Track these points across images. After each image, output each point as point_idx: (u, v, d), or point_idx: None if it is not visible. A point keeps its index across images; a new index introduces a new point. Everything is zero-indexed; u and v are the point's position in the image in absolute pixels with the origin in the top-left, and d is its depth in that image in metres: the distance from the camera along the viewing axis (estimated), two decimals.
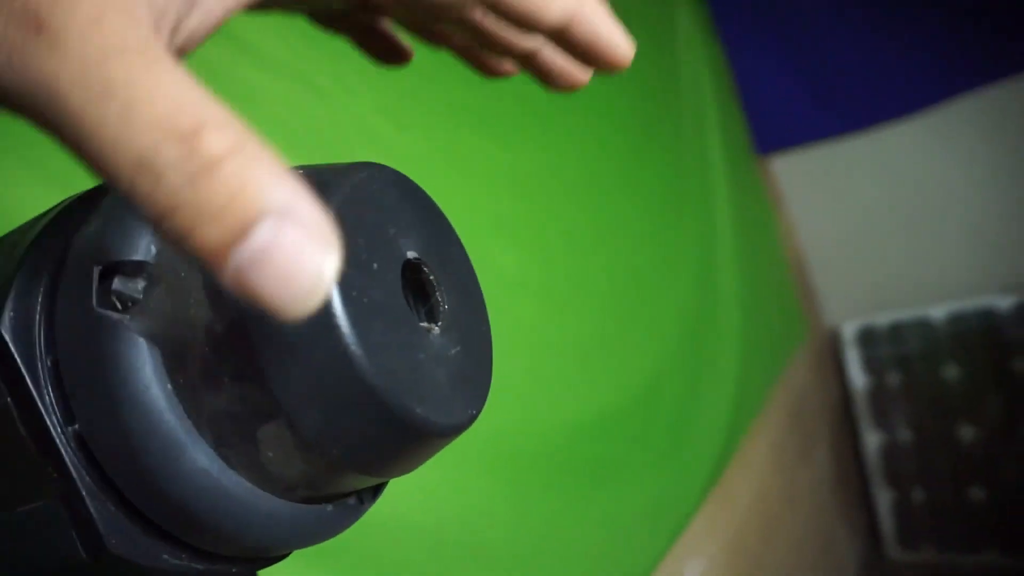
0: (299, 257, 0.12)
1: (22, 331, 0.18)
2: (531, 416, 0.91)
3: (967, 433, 1.80)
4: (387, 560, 0.69)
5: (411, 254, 0.21)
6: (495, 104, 1.04)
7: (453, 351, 0.22)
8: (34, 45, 0.11)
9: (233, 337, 0.17)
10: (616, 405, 1.09)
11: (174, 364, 0.18)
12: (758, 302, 1.69)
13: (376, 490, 0.25)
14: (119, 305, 0.18)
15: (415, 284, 0.21)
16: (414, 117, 0.90)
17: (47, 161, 0.48)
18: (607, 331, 1.13)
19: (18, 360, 0.18)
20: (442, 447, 0.21)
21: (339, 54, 0.79)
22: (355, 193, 0.19)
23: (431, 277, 0.22)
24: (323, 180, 0.19)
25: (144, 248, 0.19)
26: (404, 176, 0.22)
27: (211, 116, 0.12)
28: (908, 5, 1.66)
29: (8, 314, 0.18)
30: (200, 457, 0.18)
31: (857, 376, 1.96)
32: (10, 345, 0.18)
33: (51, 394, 0.18)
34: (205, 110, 0.12)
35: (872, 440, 1.94)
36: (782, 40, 1.85)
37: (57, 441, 0.18)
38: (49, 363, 0.18)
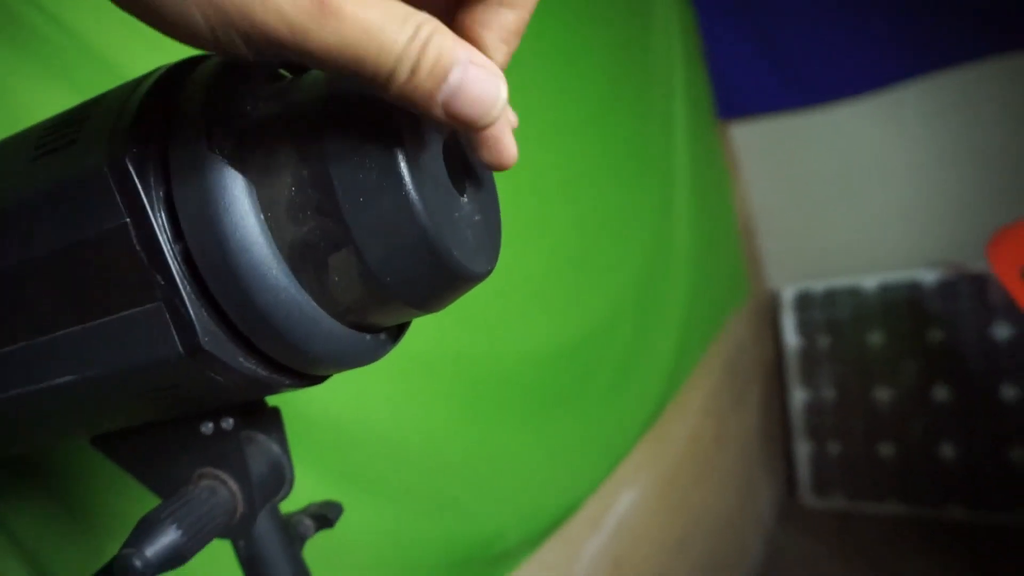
0: (483, 84, 0.20)
1: (140, 164, 0.22)
2: (493, 346, 0.97)
3: (883, 394, 1.96)
4: (352, 463, 0.74)
5: (445, 133, 0.26)
6: None
7: (476, 218, 0.27)
8: (324, 16, 0.18)
9: (317, 178, 0.22)
10: (570, 342, 1.16)
11: (265, 201, 0.23)
12: (707, 259, 1.78)
13: (398, 334, 0.30)
14: (216, 149, 0.23)
15: (450, 160, 0.26)
16: None
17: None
18: (567, 273, 1.19)
19: (138, 185, 0.22)
20: (464, 292, 0.26)
21: None
22: None
23: (461, 158, 0.27)
24: None
25: (243, 109, 0.23)
26: None
27: (420, 17, 0.19)
28: None
29: (131, 150, 0.22)
30: (282, 276, 0.23)
31: (791, 337, 2.09)
32: (133, 173, 0.22)
33: (163, 216, 0.22)
34: (416, 16, 0.19)
35: (798, 396, 2.08)
36: (751, 13, 1.90)
37: (166, 253, 0.22)
38: (161, 193, 0.23)
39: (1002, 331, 1.77)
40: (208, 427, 0.30)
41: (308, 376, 0.27)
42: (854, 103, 1.93)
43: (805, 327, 2.08)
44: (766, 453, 2.05)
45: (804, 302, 2.08)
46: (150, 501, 0.49)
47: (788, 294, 2.11)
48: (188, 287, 0.23)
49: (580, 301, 1.22)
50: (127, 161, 0.22)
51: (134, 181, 0.22)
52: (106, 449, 0.32)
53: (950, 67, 1.76)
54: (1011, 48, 1.67)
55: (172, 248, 0.22)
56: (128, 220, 0.22)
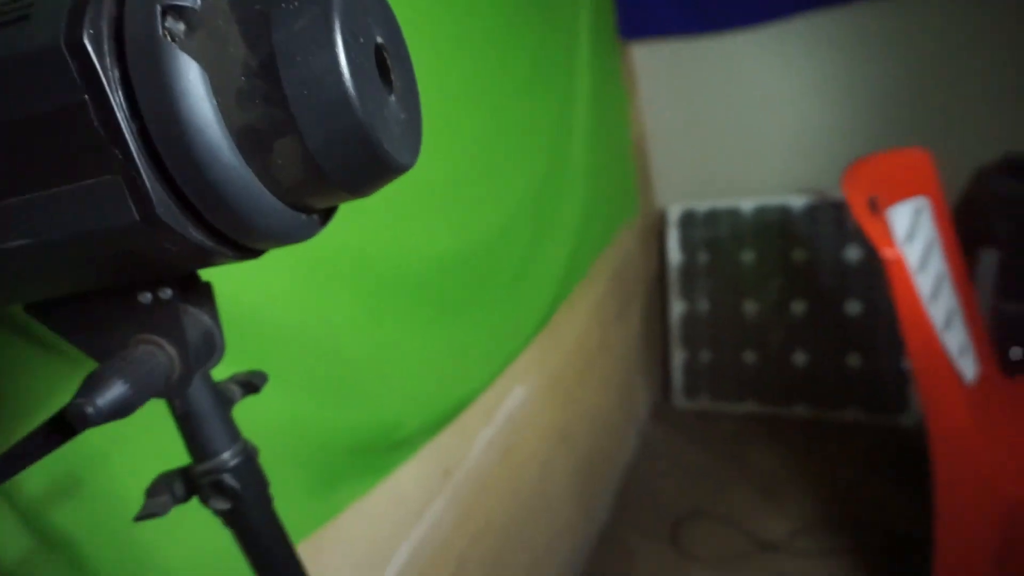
0: None
1: (97, 44, 0.24)
2: (398, 247, 1.01)
3: (750, 308, 2.16)
4: (260, 353, 0.77)
5: (379, 39, 0.29)
6: None
7: (402, 116, 0.30)
8: None
9: (265, 70, 0.25)
10: (470, 247, 1.21)
11: (217, 87, 0.25)
12: (602, 174, 1.85)
13: (327, 217, 0.33)
14: (169, 37, 0.25)
15: (380, 61, 0.29)
16: None
17: None
18: (470, 180, 1.22)
19: (96, 65, 0.24)
20: (390, 181, 0.30)
21: None
22: None
23: (389, 62, 0.30)
24: None
25: None
26: None
27: None
28: None
29: (88, 30, 0.24)
30: (232, 156, 0.26)
31: (675, 253, 2.24)
32: (91, 53, 0.24)
33: (120, 95, 0.25)
34: None
35: (677, 308, 2.25)
36: None
37: (124, 130, 0.25)
38: (117, 73, 0.25)
39: (853, 253, 1.98)
40: (147, 297, 0.33)
41: (248, 249, 0.30)
42: (746, 33, 2.02)
43: (687, 244, 2.23)
44: (645, 359, 2.23)
45: (688, 220, 2.22)
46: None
47: (674, 212, 2.24)
48: (145, 161, 0.25)
49: (481, 208, 1.26)
50: (85, 41, 0.24)
51: (92, 61, 0.24)
52: (42, 316, 0.34)
53: (836, 5, 1.88)
54: None
55: (130, 125, 0.25)
56: (87, 97, 0.24)
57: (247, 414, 0.75)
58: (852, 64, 1.94)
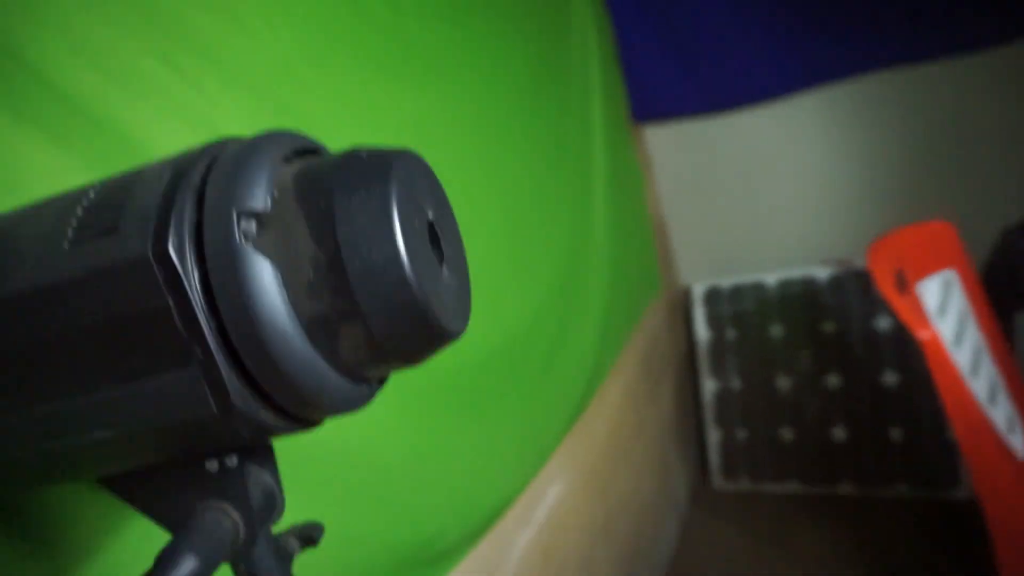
0: None
1: (180, 253, 0.26)
2: None
3: (783, 383, 2.12)
4: (296, 467, 0.76)
5: (431, 215, 0.31)
6: (401, 51, 1.10)
7: (453, 284, 0.32)
8: None
9: (332, 264, 0.26)
10: (499, 342, 1.21)
11: (288, 282, 0.27)
12: (624, 256, 1.87)
13: (383, 380, 0.34)
14: (243, 238, 0.26)
15: (432, 236, 0.31)
16: (329, 60, 0.94)
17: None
18: (496, 274, 1.24)
19: (179, 270, 0.26)
20: (444, 348, 0.31)
21: None
22: (405, 175, 0.29)
23: (440, 233, 0.31)
24: (386, 163, 0.28)
25: (263, 200, 0.27)
26: (424, 160, 0.32)
27: None
28: (772, 7, 1.87)
29: (171, 241, 0.26)
30: (302, 344, 0.27)
31: (702, 330, 2.23)
32: (175, 260, 0.25)
33: (200, 298, 0.26)
34: None
35: (709, 386, 2.22)
36: (665, 20, 2.01)
37: (204, 329, 0.26)
38: (197, 276, 0.26)
39: (883, 323, 1.96)
40: (214, 465, 0.33)
41: (314, 421, 0.31)
42: (759, 109, 2.07)
43: (714, 320, 2.22)
44: (679, 440, 2.19)
45: (713, 297, 2.22)
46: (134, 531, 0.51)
47: (698, 289, 2.24)
48: (223, 357, 0.26)
49: (508, 301, 1.27)
50: (170, 252, 0.25)
51: (176, 270, 0.25)
52: (113, 487, 0.35)
53: (845, 79, 1.93)
54: (897, 62, 1.84)
55: (209, 324, 0.26)
56: (171, 302, 0.26)
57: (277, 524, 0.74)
58: (867, 134, 1.97)
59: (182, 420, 0.27)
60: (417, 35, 1.14)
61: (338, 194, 0.27)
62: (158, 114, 0.65)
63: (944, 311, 1.15)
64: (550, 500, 1.34)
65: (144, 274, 0.26)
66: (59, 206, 0.29)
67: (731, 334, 2.19)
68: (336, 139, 0.90)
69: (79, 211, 0.28)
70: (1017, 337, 1.60)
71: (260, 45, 0.80)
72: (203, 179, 0.28)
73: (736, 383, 2.19)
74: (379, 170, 0.28)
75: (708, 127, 2.17)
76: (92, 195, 0.29)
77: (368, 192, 0.27)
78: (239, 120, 0.77)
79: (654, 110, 2.21)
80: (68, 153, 0.58)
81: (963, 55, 1.75)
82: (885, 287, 1.05)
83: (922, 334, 1.02)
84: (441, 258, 0.31)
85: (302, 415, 0.30)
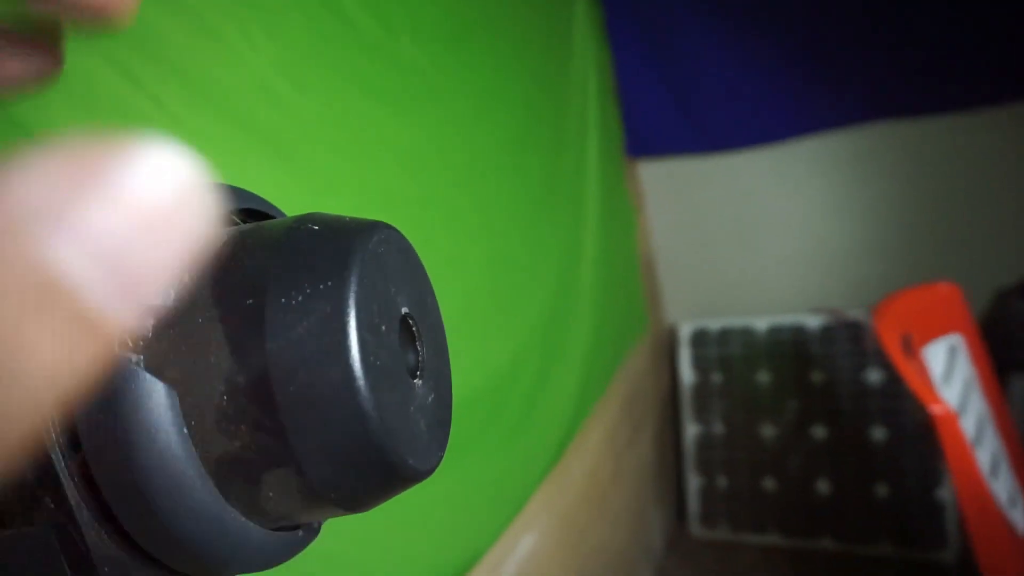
0: None
1: None
2: None
3: (768, 431, 2.06)
4: None
5: (404, 309, 0.23)
6: (391, 74, 1.03)
7: (429, 399, 0.24)
8: None
9: (255, 390, 0.19)
10: (475, 387, 1.14)
11: (189, 410, 0.19)
12: (611, 296, 1.81)
13: (321, 523, 0.26)
14: (129, 342, 0.19)
15: (404, 336, 0.23)
16: (311, 78, 0.87)
17: None
18: (478, 315, 1.17)
19: None
20: (408, 489, 0.23)
21: (246, 4, 0.75)
22: (371, 261, 0.21)
23: (416, 330, 0.24)
24: (344, 246, 0.20)
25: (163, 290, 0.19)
26: (402, 236, 0.24)
27: None
28: (773, 54, 1.84)
29: None
30: (206, 496, 0.19)
31: (687, 373, 2.16)
32: None
33: (55, 425, 0.18)
34: None
35: (691, 431, 2.15)
36: (663, 59, 1.97)
37: (58, 469, 0.18)
38: None
39: (874, 376, 1.90)
40: None
41: None
42: (755, 152, 2.03)
43: (700, 363, 2.16)
44: (659, 486, 2.11)
45: (700, 339, 2.16)
46: None
47: (686, 331, 2.18)
48: (84, 511, 0.19)
49: (487, 344, 1.20)
50: None
51: None
52: None
53: (840, 128, 1.89)
54: (896, 115, 1.81)
55: (66, 464, 0.18)
56: None
57: None
58: (863, 184, 1.94)
59: None
60: (410, 57, 1.07)
61: (272, 288, 0.19)
62: (106, 128, 0.58)
63: (949, 378, 1.09)
64: (522, 552, 1.26)
65: None
66: None
67: (717, 378, 2.13)
68: (311, 165, 0.82)
69: None
70: (1012, 401, 1.55)
71: (233, 58, 0.73)
72: None
73: (719, 428, 2.12)
74: (334, 255, 0.20)
75: (704, 167, 2.13)
76: None
77: (315, 288, 0.19)
78: (203, 138, 0.69)
79: (650, 147, 2.16)
80: None
81: (968, 111, 1.73)
82: (893, 352, 1.00)
83: (935, 409, 0.96)
84: (417, 364, 0.24)
85: None
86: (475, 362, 1.14)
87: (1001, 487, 1.11)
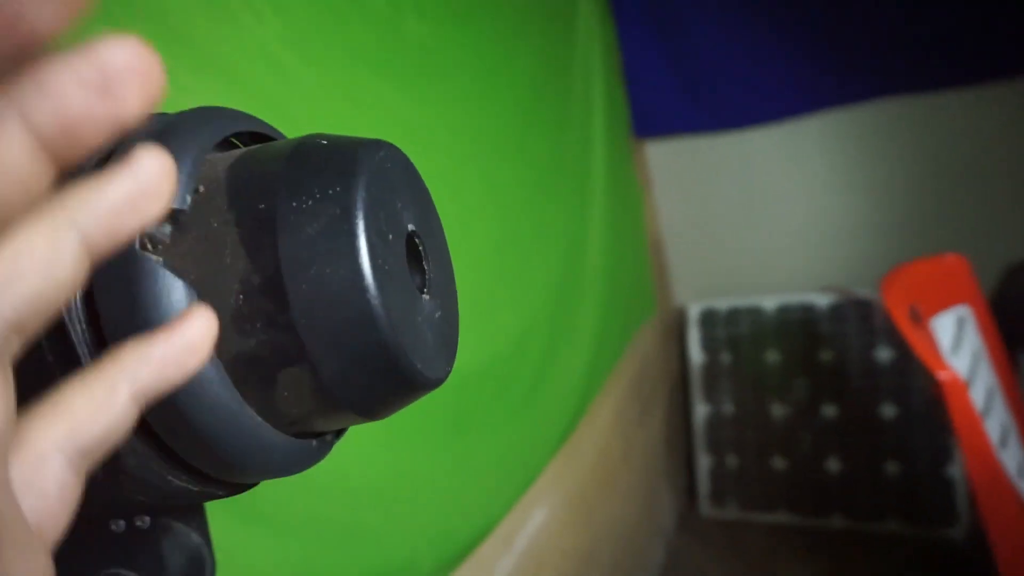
0: None
1: None
2: None
3: (777, 411, 2.06)
4: (250, 492, 0.70)
5: (410, 227, 0.24)
6: (397, 50, 1.04)
7: (437, 315, 0.25)
8: None
9: (269, 288, 0.19)
10: (485, 361, 1.15)
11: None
12: (618, 275, 1.81)
13: (342, 430, 0.27)
14: (150, 245, 0.20)
15: (412, 253, 0.24)
16: (318, 52, 0.88)
17: None
18: (486, 290, 1.18)
19: None
20: (415, 401, 0.24)
21: None
22: (377, 172, 0.22)
23: (422, 249, 0.25)
24: (351, 156, 0.21)
25: (180, 196, 0.20)
26: (405, 155, 0.25)
27: None
28: (779, 30, 1.82)
29: None
30: (223, 392, 0.20)
31: (696, 353, 2.16)
32: None
33: (81, 322, 0.19)
34: None
35: (701, 411, 2.16)
36: (669, 38, 1.96)
37: (84, 364, 0.19)
38: (79, 294, 0.19)
39: (884, 354, 1.90)
40: (120, 524, 0.27)
41: (243, 485, 0.24)
42: (761, 130, 2.02)
43: (709, 343, 2.16)
44: (668, 465, 2.12)
45: (709, 319, 2.16)
46: None
47: (694, 311, 2.18)
48: None
49: (496, 319, 1.21)
50: None
51: None
52: None
53: (847, 105, 1.88)
54: (903, 91, 1.80)
55: (90, 358, 0.19)
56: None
57: (239, 566, 0.67)
58: (871, 161, 1.93)
59: None
60: (415, 33, 1.07)
61: (283, 193, 0.20)
62: None
63: (957, 349, 1.09)
64: (533, 526, 1.27)
65: None
66: None
67: (726, 358, 2.13)
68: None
69: None
70: (1021, 376, 1.55)
71: (239, 28, 0.73)
72: (104, 163, 0.21)
73: (729, 408, 2.12)
74: (342, 164, 0.21)
75: (711, 145, 2.12)
76: None
77: (324, 192, 0.20)
78: None
79: (656, 127, 2.15)
80: None
81: (975, 85, 1.71)
82: (900, 321, 1.00)
83: (943, 375, 0.96)
84: (423, 281, 0.25)
85: (225, 479, 0.23)
86: (482, 337, 1.15)
87: (1010, 458, 1.11)
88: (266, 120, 0.82)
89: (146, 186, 0.15)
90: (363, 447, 0.86)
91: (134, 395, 0.16)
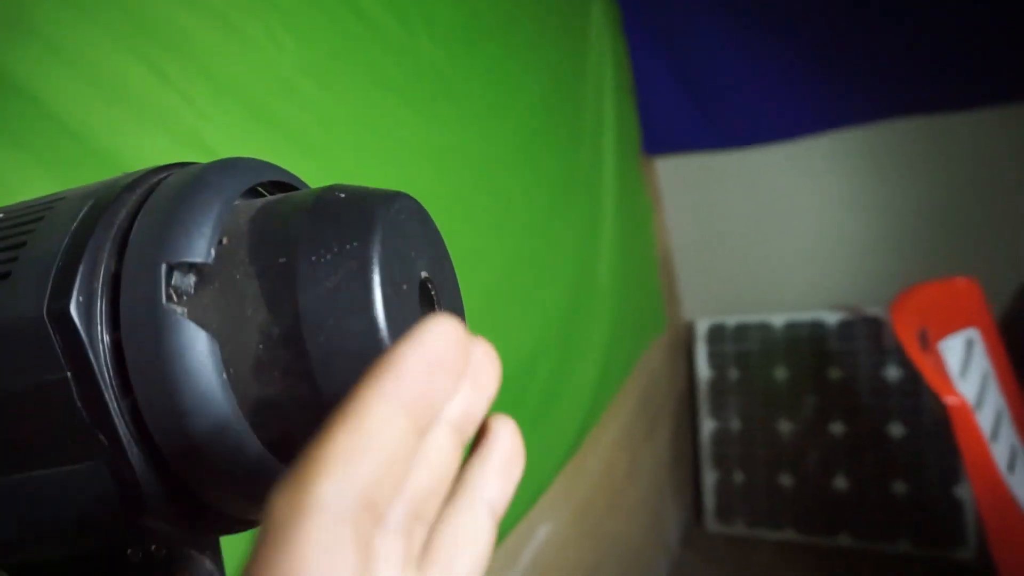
0: None
1: (87, 313, 0.20)
2: None
3: (785, 427, 2.06)
4: None
5: (423, 274, 0.25)
6: (411, 73, 1.05)
7: None
8: None
9: (288, 340, 0.21)
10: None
11: (229, 356, 0.21)
12: (628, 292, 1.82)
13: None
14: (175, 297, 0.21)
15: (424, 298, 0.25)
16: (334, 77, 0.89)
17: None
18: (496, 307, 1.19)
19: (83, 336, 0.20)
20: None
21: (270, 5, 0.78)
22: (392, 225, 0.23)
23: (434, 294, 0.26)
24: (368, 211, 0.22)
25: (204, 250, 0.21)
26: (419, 204, 0.26)
27: None
28: (790, 49, 1.83)
29: (77, 297, 0.20)
30: (244, 437, 0.21)
31: (703, 368, 2.16)
32: (77, 322, 0.20)
33: (109, 370, 0.20)
34: None
35: (708, 426, 2.16)
36: (680, 56, 1.97)
37: (112, 411, 0.20)
38: (108, 342, 0.21)
39: (892, 372, 1.89)
40: (137, 554, 0.28)
41: (259, 521, 0.26)
42: (771, 148, 2.03)
43: (717, 359, 2.16)
44: (674, 481, 2.12)
45: (716, 335, 2.16)
46: None
47: (702, 327, 2.18)
48: (135, 449, 0.21)
49: (506, 337, 1.22)
50: (71, 312, 0.20)
51: (79, 335, 0.20)
52: (15, 573, 0.29)
53: (858, 124, 1.89)
54: (914, 112, 1.80)
55: (119, 405, 0.20)
56: (70, 376, 0.20)
57: None
58: (882, 180, 1.93)
59: (85, 523, 0.21)
60: (429, 56, 1.09)
61: (303, 247, 0.21)
62: (137, 122, 0.60)
63: (966, 372, 1.09)
64: (538, 540, 1.27)
65: (37, 338, 0.20)
66: None
67: (733, 374, 2.13)
68: (334, 161, 0.85)
69: None
70: None
71: (257, 56, 0.75)
72: (131, 218, 0.22)
73: (736, 424, 2.12)
74: (360, 219, 0.22)
75: (720, 163, 2.12)
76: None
77: (342, 247, 0.21)
78: (229, 135, 0.72)
79: (666, 144, 2.16)
80: (33, 159, 0.52)
81: (987, 107, 1.71)
82: (909, 344, 1.00)
83: (951, 400, 0.96)
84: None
85: (243, 516, 0.24)
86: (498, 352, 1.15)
87: (1018, 482, 1.11)
88: (284, 144, 0.84)
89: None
90: None
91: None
